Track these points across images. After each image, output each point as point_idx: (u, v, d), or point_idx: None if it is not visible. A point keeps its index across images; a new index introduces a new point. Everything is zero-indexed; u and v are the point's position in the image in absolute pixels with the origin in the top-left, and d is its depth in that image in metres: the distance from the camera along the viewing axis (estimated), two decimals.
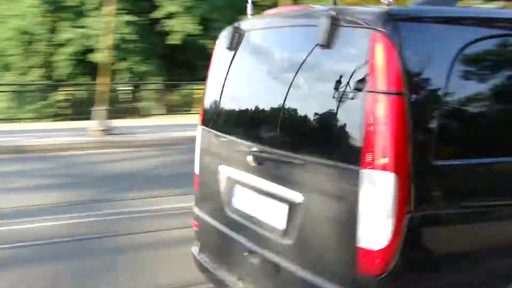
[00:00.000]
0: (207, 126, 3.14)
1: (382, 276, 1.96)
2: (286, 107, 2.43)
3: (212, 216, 3.04)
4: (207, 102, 3.19)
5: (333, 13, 2.16)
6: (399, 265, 1.95)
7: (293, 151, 2.35)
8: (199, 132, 3.24)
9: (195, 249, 3.23)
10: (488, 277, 2.17)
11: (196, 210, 3.25)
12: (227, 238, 2.85)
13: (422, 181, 1.95)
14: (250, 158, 2.56)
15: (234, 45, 2.91)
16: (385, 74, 1.94)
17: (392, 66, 1.93)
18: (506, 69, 2.25)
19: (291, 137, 2.45)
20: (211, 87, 3.17)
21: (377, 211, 1.93)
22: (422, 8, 2.32)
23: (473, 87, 2.16)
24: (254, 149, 2.56)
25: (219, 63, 3.10)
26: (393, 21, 2.00)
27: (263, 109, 2.67)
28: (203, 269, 3.12)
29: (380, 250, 1.94)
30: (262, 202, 2.58)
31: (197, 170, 3.25)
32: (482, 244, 2.15)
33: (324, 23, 2.14)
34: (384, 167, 1.91)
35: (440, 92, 2.02)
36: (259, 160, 2.53)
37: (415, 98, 1.95)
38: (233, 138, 2.84)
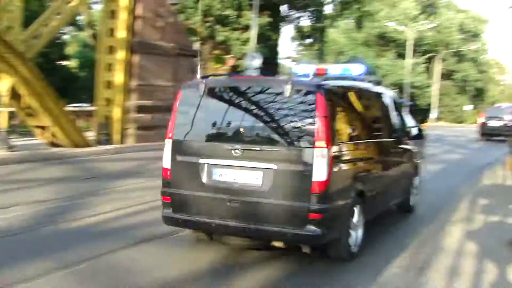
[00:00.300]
0: (180, 139, 5.92)
1: (323, 192, 5.24)
2: (260, 125, 5.68)
3: (189, 189, 5.80)
4: (180, 125, 5.96)
5: (290, 81, 5.56)
6: (329, 186, 5.27)
7: (269, 145, 5.52)
8: (169, 143, 5.93)
9: (168, 212, 5.95)
10: (351, 180, 5.91)
11: (167, 189, 5.93)
12: (206, 199, 5.67)
13: (334, 151, 5.37)
14: (235, 151, 5.55)
15: (202, 94, 5.89)
16: (322, 108, 5.31)
17: (324, 105, 5.31)
18: (351, 104, 6.38)
19: (267, 140, 5.58)
20: (182, 117, 5.98)
21: (321, 164, 5.22)
22: (328, 82, 5.82)
23: (340, 111, 5.89)
24: (238, 146, 5.54)
25: (189, 103, 5.98)
26: (322, 88, 5.47)
27: (242, 127, 5.74)
28: (180, 221, 5.95)
29: (323, 181, 5.22)
30: (241, 173, 5.57)
31: (167, 165, 5.92)
32: (349, 173, 5.88)
33: (288, 88, 5.48)
34: (320, 145, 5.22)
35: (334, 115, 5.56)
36: (241, 152, 5.53)
37: (330, 118, 5.38)
38: (215, 143, 5.79)
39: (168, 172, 5.95)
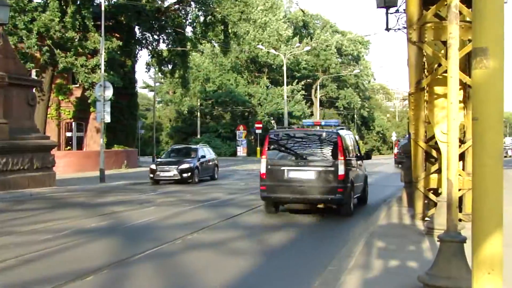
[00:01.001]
0: (270, 158, 14.66)
1: (342, 179, 14.14)
2: (310, 151, 14.80)
3: (276, 181, 14.43)
4: (270, 151, 14.79)
5: (322, 132, 15.14)
6: (344, 177, 14.19)
7: (317, 159, 14.53)
8: (264, 160, 14.63)
9: (265, 194, 14.58)
10: (354, 178, 15.40)
11: (264, 183, 14.52)
12: (285, 185, 14.40)
13: (345, 161, 14.25)
14: (300, 162, 14.55)
15: (282, 135, 15.26)
16: (340, 142, 14.38)
17: (340, 141, 14.45)
18: (346, 140, 15.33)
19: (315, 157, 14.61)
20: (272, 146, 14.87)
21: (342, 167, 14.14)
22: (338, 131, 15.01)
23: (344, 143, 14.81)
24: (301, 160, 14.61)
25: (275, 140, 15.00)
26: (339, 133, 14.71)
27: (301, 152, 14.80)
28: (272, 198, 14.77)
29: (342, 174, 14.13)
30: (304, 172, 14.39)
31: (264, 171, 14.56)
32: (354, 174, 15.36)
33: (323, 134, 14.87)
34: (341, 159, 14.18)
35: (344, 142, 14.79)
36: (303, 162, 14.52)
37: (343, 146, 14.45)
38: (290, 160, 14.71)
39: (264, 174, 14.44)
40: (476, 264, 3.58)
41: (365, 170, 17.80)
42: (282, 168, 14.35)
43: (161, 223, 13.50)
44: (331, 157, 14.20)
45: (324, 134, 14.60)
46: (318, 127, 16.00)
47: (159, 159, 27.86)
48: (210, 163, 28.73)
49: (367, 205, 17.13)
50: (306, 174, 14.20)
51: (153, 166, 26.50)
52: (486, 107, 3.59)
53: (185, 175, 25.77)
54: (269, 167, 14.40)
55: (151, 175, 26.11)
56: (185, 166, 26.01)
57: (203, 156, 27.97)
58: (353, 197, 14.98)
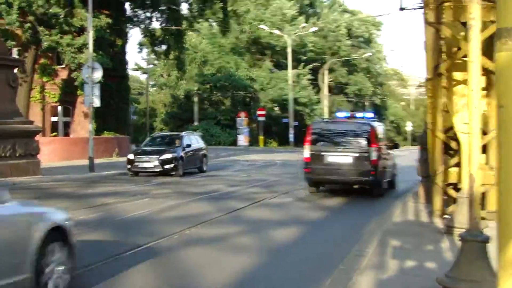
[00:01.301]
0: (313, 145, 18.43)
1: (375, 163, 17.62)
2: (347, 139, 18.36)
3: (318, 164, 18.12)
4: (313, 139, 18.51)
5: (358, 123, 18.98)
6: (377, 161, 17.66)
7: (353, 146, 18.08)
8: (307, 146, 18.46)
9: (309, 176, 18.58)
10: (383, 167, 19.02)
11: (308, 166, 18.33)
12: (326, 168, 18.09)
13: (377, 148, 17.81)
14: (339, 149, 18.12)
15: (323, 126, 19.64)
16: (372, 131, 18.06)
17: (373, 130, 18.14)
18: (376, 129, 19.06)
19: (352, 144, 18.13)
20: (314, 135, 18.63)
21: (374, 153, 17.67)
22: (371, 122, 18.93)
23: (375, 133, 18.50)
24: (339, 147, 18.21)
25: (316, 129, 19.05)
26: (371, 124, 18.57)
27: (339, 140, 18.41)
28: (314, 179, 18.73)
29: (375, 159, 17.59)
30: (342, 157, 18.02)
31: (307, 155, 18.39)
32: (385, 160, 18.87)
33: (358, 124, 18.66)
34: (374, 146, 17.70)
35: (376, 133, 18.43)
36: (341, 149, 18.07)
37: (375, 135, 18.08)
38: (330, 147, 18.31)
39: (308, 159, 18.14)
40: (502, 265, 3.62)
41: (394, 158, 21.40)
42: (323, 153, 18.05)
43: (156, 216, 13.58)
44: (365, 144, 17.72)
45: (359, 125, 18.44)
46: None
47: (138, 148, 26.86)
48: (198, 153, 27.92)
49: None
50: (344, 159, 17.82)
51: (131, 156, 25.26)
52: None
53: (167, 166, 24.67)
54: (312, 152, 18.17)
55: (129, 166, 25.00)
56: (167, 156, 24.86)
57: (189, 145, 26.80)
58: (383, 181, 18.52)
